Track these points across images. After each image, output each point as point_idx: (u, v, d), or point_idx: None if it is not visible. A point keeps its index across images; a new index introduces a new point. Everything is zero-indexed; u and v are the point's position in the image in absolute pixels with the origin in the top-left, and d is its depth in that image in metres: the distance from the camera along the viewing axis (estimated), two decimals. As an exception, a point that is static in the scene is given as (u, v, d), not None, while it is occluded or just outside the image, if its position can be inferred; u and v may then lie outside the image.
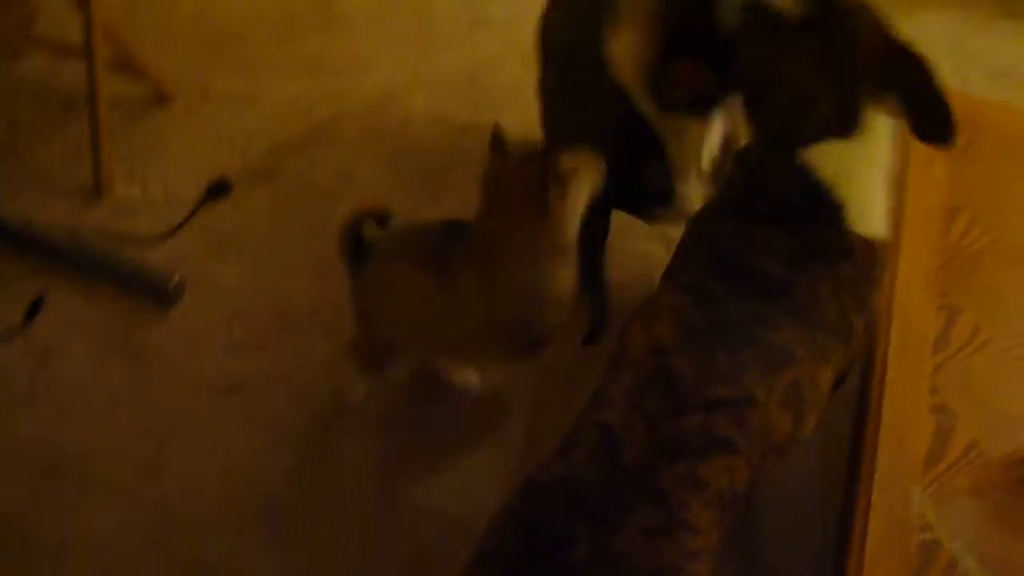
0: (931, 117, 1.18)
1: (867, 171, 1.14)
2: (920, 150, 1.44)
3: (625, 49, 1.35)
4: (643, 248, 1.82)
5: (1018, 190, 1.43)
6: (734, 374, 1.03)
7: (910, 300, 1.27)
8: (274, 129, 2.02)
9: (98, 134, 1.86)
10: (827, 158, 1.12)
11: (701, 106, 1.36)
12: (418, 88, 2.13)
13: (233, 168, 1.95)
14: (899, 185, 1.40)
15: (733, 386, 1.02)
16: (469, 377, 1.67)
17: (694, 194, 1.46)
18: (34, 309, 1.75)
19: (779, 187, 1.15)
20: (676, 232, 1.26)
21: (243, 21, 2.24)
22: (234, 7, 2.27)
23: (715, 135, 1.44)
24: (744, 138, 1.27)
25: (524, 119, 2.04)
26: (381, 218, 1.45)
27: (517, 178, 1.33)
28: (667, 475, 0.98)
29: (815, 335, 1.08)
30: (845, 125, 1.12)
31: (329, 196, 1.91)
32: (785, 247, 1.11)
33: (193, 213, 1.88)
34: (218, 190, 1.91)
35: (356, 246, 1.44)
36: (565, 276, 1.39)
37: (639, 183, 1.46)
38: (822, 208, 1.12)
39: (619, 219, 1.58)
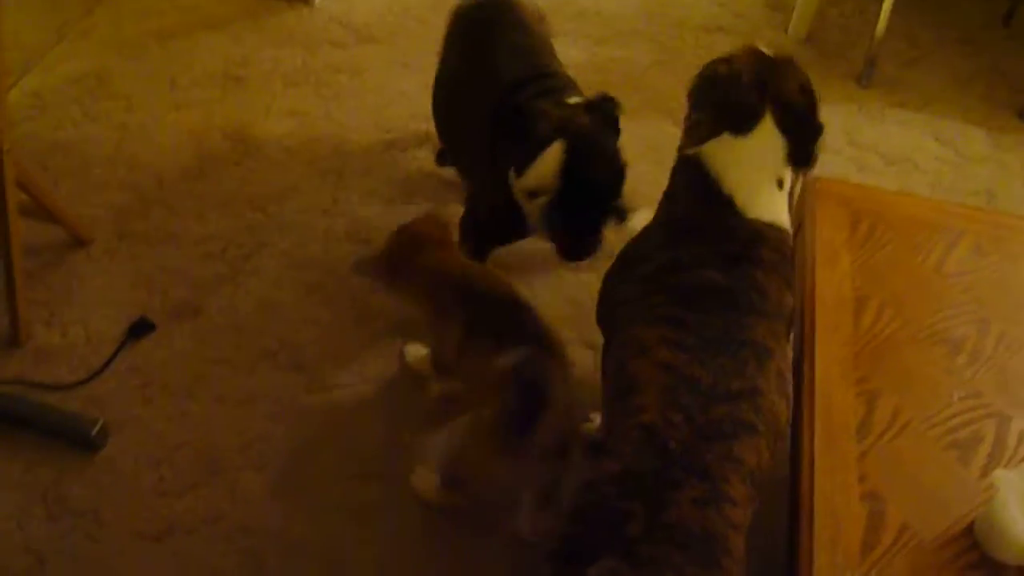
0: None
1: (754, 166, 1.33)
2: (825, 245, 1.50)
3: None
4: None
5: (922, 274, 1.49)
6: (740, 371, 1.20)
7: (830, 389, 1.29)
8: (194, 266, 2.01)
9: (14, 282, 1.83)
10: (717, 154, 1.34)
11: None
12: (339, 215, 2.15)
13: (154, 307, 1.93)
14: (807, 278, 1.45)
15: (743, 380, 1.19)
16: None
17: None
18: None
19: (680, 182, 1.40)
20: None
21: (160, 159, 2.25)
22: (150, 146, 2.28)
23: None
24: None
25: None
26: None
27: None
28: (709, 454, 1.13)
29: (771, 323, 1.25)
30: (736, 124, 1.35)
31: (253, 330, 1.90)
32: (713, 256, 1.29)
33: (114, 355, 1.85)
34: (140, 330, 1.88)
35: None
36: None
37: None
38: (715, 199, 1.32)
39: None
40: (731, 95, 1.37)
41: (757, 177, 1.33)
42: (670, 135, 2.44)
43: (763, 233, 1.29)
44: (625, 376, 1.25)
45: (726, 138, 1.35)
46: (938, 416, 1.29)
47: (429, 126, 2.31)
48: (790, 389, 1.24)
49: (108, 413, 1.76)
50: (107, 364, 1.84)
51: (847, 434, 1.24)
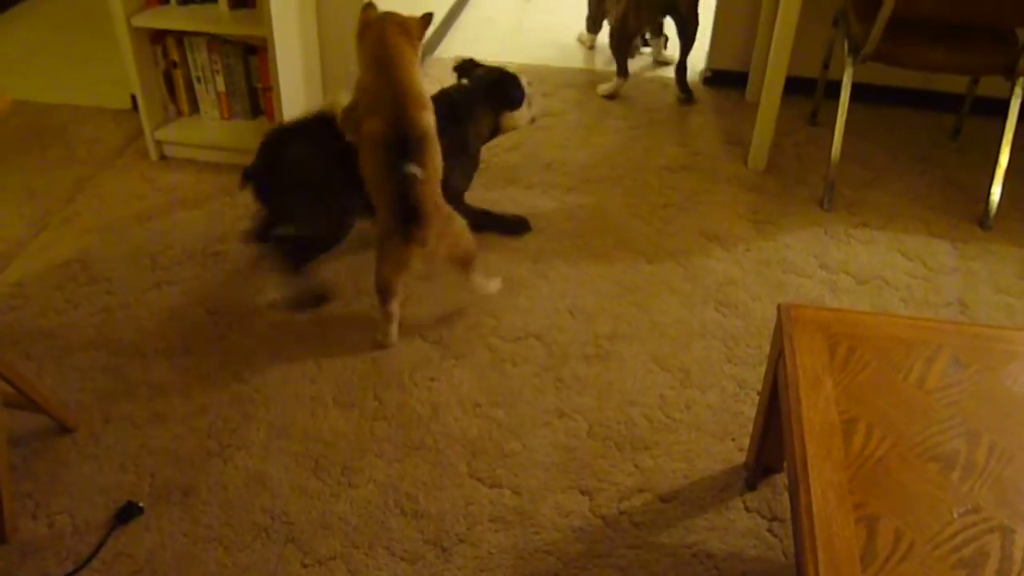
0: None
1: None
2: (806, 372, 1.51)
3: None
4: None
5: (905, 391, 1.50)
6: None
7: (829, 517, 1.28)
8: (181, 444, 2.00)
9: (-2, 478, 1.80)
10: None
11: None
12: (324, 381, 2.16)
13: (143, 489, 1.90)
14: (792, 406, 1.46)
15: None
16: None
17: None
18: None
19: None
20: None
21: (143, 339, 2.27)
22: (133, 326, 2.30)
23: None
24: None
25: (427, 397, 2.07)
26: None
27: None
28: None
29: None
30: None
31: (243, 505, 1.87)
32: None
33: (102, 544, 1.80)
34: (127, 515, 1.84)
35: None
36: None
37: None
38: None
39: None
40: None
41: None
42: (646, 274, 2.49)
43: None
44: None
45: None
46: (941, 535, 1.28)
47: (407, 289, 2.34)
48: None
49: (97, 605, 1.71)
50: (95, 554, 1.79)
51: (851, 564, 1.22)
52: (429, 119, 2.14)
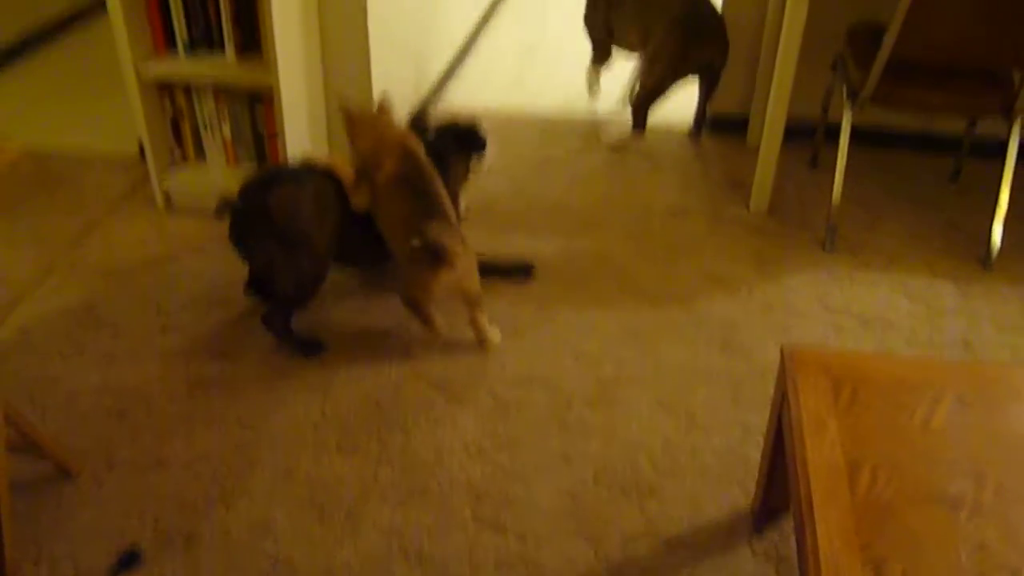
0: None
1: None
2: (810, 414, 1.51)
3: None
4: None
5: (910, 433, 1.49)
6: None
7: (836, 561, 1.27)
8: (184, 489, 1.99)
9: (1, 525, 1.79)
10: None
11: None
12: (326, 427, 2.16)
13: (145, 535, 1.89)
14: (797, 448, 1.45)
15: None
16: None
17: None
18: None
19: None
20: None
21: (147, 384, 2.27)
22: (138, 371, 2.31)
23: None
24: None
25: (432, 437, 2.07)
26: None
27: None
28: None
29: None
30: None
31: (246, 551, 1.85)
32: None
33: (104, 591, 1.79)
34: (129, 561, 1.83)
35: None
36: None
37: None
38: None
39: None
40: None
41: None
42: (649, 318, 2.50)
43: None
44: None
45: None
46: (949, 578, 1.27)
47: (414, 333, 2.35)
48: None
49: (98, 654, 1.69)
50: (97, 601, 1.78)
51: (860, 607, 1.21)
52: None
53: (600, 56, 3.67)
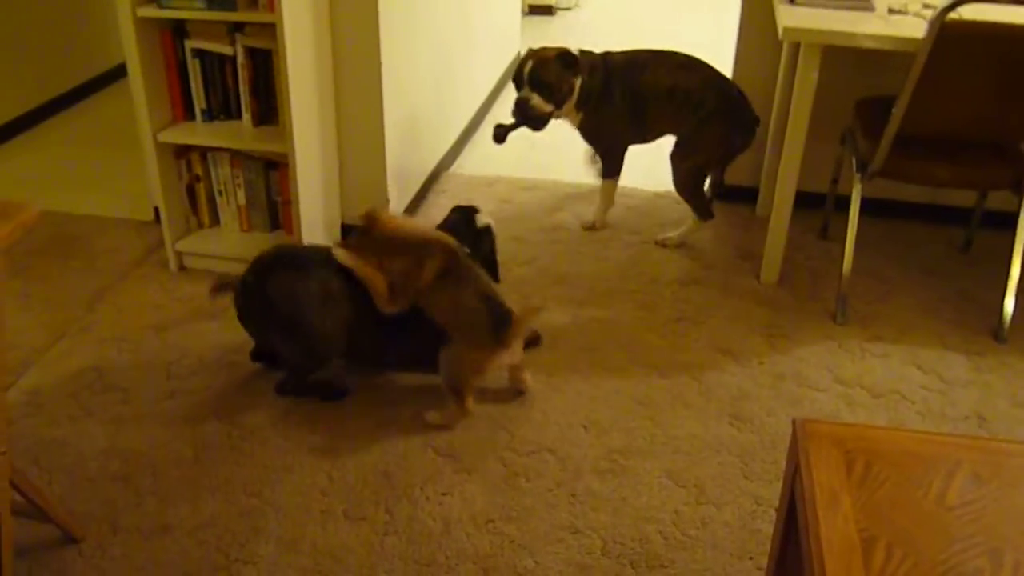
0: None
1: None
2: (823, 488, 1.49)
3: None
4: None
5: (925, 508, 1.47)
6: None
7: (851, 641, 1.24)
8: (187, 559, 1.97)
9: (1, 591, 1.77)
10: None
11: None
12: (335, 494, 2.14)
13: (147, 604, 1.87)
14: (810, 523, 1.43)
15: None
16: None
17: None
18: None
19: None
20: None
21: (154, 449, 2.26)
22: (145, 436, 2.30)
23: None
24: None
25: (438, 508, 2.05)
26: None
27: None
28: None
29: None
30: None
31: (250, 619, 1.83)
32: None
33: (104, 661, 1.76)
34: (131, 631, 1.80)
35: None
36: None
37: None
38: None
39: None
40: None
41: None
42: (659, 388, 2.48)
43: None
44: None
45: None
46: (968, 661, 1.23)
47: (424, 405, 2.35)
48: None
49: None
50: (96, 671, 1.75)
51: None
52: None
53: (616, 168, 3.35)
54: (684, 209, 3.47)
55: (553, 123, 3.23)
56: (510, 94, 4.65)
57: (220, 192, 3.02)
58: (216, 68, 2.83)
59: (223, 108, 2.90)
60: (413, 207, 3.37)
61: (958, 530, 1.44)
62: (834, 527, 1.42)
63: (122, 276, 2.99)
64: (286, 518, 2.07)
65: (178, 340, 2.67)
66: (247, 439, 2.29)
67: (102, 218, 3.34)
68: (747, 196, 3.50)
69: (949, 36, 2.36)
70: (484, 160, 3.93)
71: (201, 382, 2.49)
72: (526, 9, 5.98)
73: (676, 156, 3.13)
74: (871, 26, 2.57)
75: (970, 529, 1.44)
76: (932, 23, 2.36)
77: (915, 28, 2.53)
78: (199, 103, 2.88)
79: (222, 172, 2.97)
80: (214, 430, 2.32)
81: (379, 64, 2.89)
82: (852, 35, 2.54)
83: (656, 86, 3.06)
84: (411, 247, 2.33)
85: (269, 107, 2.88)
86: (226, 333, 2.69)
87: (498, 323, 2.24)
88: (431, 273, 2.28)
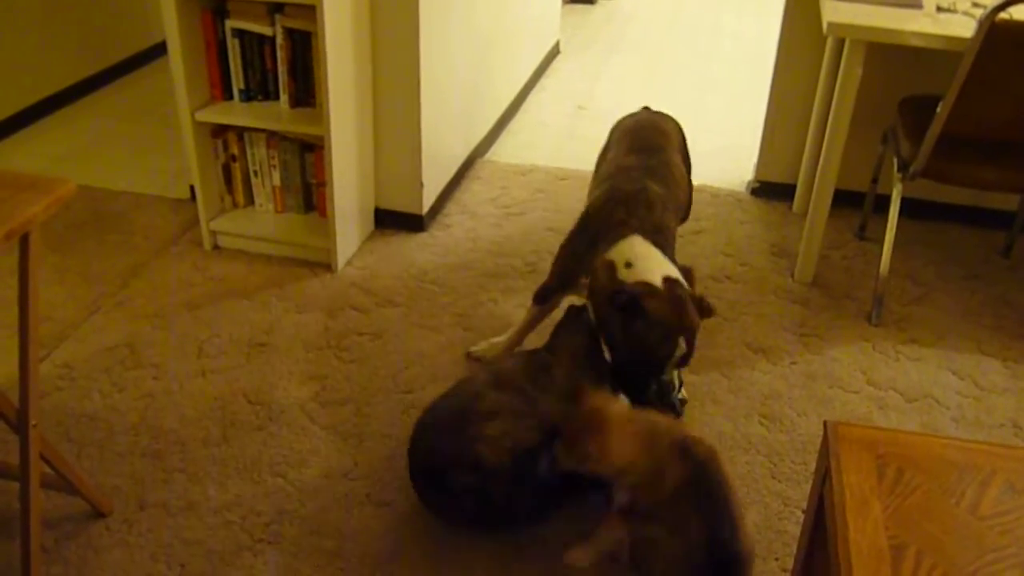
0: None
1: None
2: (854, 493, 1.47)
3: None
4: None
5: (957, 517, 1.44)
6: None
7: (877, 649, 1.22)
8: (213, 536, 1.98)
9: (29, 562, 1.80)
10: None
11: None
12: (360, 478, 2.14)
13: (171, 580, 1.89)
14: (839, 527, 1.41)
15: None
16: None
17: None
18: None
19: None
20: None
21: (184, 426, 2.28)
22: (175, 413, 2.32)
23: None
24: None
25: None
26: None
27: None
28: None
29: None
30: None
31: (272, 599, 1.84)
32: None
33: (128, 635, 1.78)
34: (155, 606, 1.82)
35: None
36: None
37: None
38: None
39: None
40: None
41: None
42: (689, 384, 2.46)
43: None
44: None
45: None
46: (997, 675, 1.21)
47: (446, 386, 2.34)
48: None
49: None
50: (119, 644, 1.77)
51: None
52: None
53: (562, 289, 2.40)
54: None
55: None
56: (548, 82, 4.63)
57: (255, 173, 3.03)
58: (255, 49, 2.83)
59: (261, 89, 2.91)
60: (447, 193, 3.37)
61: (991, 541, 1.41)
62: (864, 533, 1.40)
63: (157, 253, 3.01)
64: (310, 500, 2.08)
65: (210, 319, 2.68)
66: (275, 420, 2.31)
67: (139, 195, 3.37)
68: (784, 193, 3.46)
69: (999, 36, 2.31)
70: (520, 148, 3.91)
71: (231, 361, 2.51)
72: (566, -3, 5.94)
73: None
74: (919, 24, 2.52)
75: (1003, 540, 1.41)
76: (981, 22, 2.31)
77: (964, 27, 2.48)
78: (237, 83, 2.89)
79: (258, 153, 2.98)
80: (243, 410, 2.34)
81: (417, 49, 2.88)
82: (899, 32, 2.49)
83: None
84: (642, 449, 1.80)
85: (307, 89, 2.88)
86: (258, 313, 2.70)
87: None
88: (669, 484, 1.76)
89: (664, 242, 2.18)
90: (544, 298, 2.40)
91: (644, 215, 2.19)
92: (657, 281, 2.05)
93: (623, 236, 2.15)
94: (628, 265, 2.09)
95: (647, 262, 2.10)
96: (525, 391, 2.00)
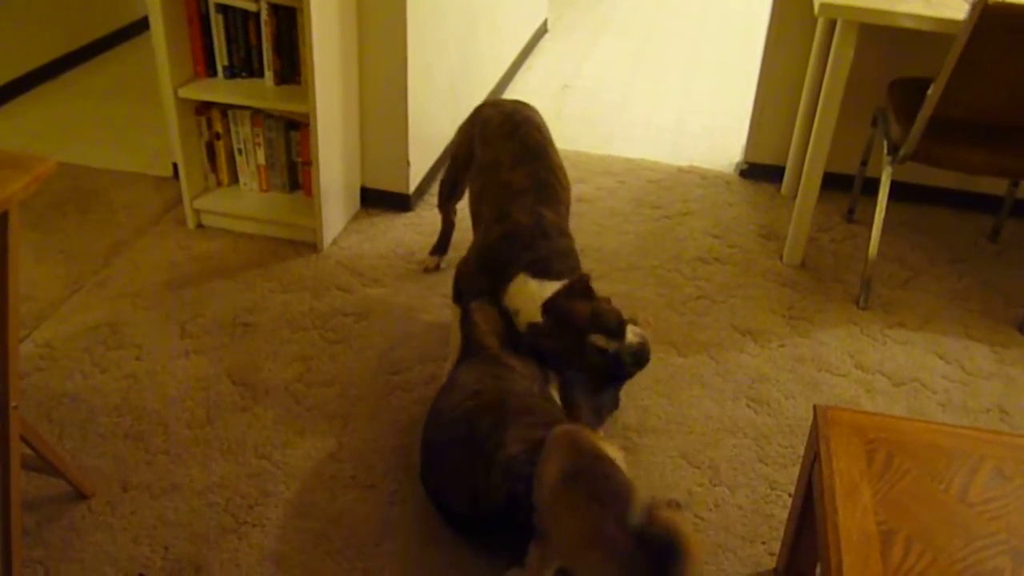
0: None
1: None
2: (843, 478, 1.46)
3: None
4: None
5: (946, 504, 1.44)
6: None
7: (866, 636, 1.22)
8: (197, 518, 1.96)
9: (10, 545, 1.77)
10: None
11: None
12: (345, 460, 2.13)
13: (155, 563, 1.86)
14: (828, 512, 1.40)
15: None
16: None
17: None
18: None
19: None
20: None
21: (167, 407, 2.25)
22: (158, 394, 2.29)
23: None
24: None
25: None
26: None
27: None
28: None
29: None
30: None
31: (256, 582, 1.82)
32: None
33: (110, 618, 1.76)
34: (137, 589, 1.80)
35: None
36: None
37: None
38: None
39: None
40: None
41: None
42: (676, 367, 2.45)
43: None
44: None
45: None
46: (984, 661, 1.21)
47: (435, 367, 2.33)
48: None
49: None
50: (102, 627, 1.75)
51: None
52: None
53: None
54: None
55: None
56: (535, 61, 4.59)
57: (240, 150, 2.99)
58: (239, 24, 2.79)
59: (245, 65, 2.86)
60: (434, 172, 3.33)
61: (979, 527, 1.41)
62: (853, 518, 1.40)
63: (139, 232, 2.97)
64: (295, 482, 2.06)
65: (193, 298, 2.65)
66: (259, 401, 2.28)
67: (121, 172, 3.32)
68: (772, 175, 3.44)
69: (991, 19, 2.29)
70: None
71: (215, 341, 2.48)
72: (555, -25, 5.87)
73: None
74: (911, 5, 2.50)
75: (992, 527, 1.41)
76: (974, 4, 2.29)
77: (956, 9, 2.46)
78: (221, 59, 2.84)
79: (242, 130, 2.93)
80: (227, 391, 2.31)
81: (404, 26, 2.84)
82: (891, 14, 2.47)
83: None
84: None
85: (292, 66, 2.83)
86: (242, 293, 2.67)
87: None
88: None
89: (563, 263, 2.22)
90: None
91: (541, 245, 2.22)
92: (538, 314, 2.12)
93: (512, 277, 2.20)
94: (516, 313, 2.18)
95: (528, 303, 2.16)
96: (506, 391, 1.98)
